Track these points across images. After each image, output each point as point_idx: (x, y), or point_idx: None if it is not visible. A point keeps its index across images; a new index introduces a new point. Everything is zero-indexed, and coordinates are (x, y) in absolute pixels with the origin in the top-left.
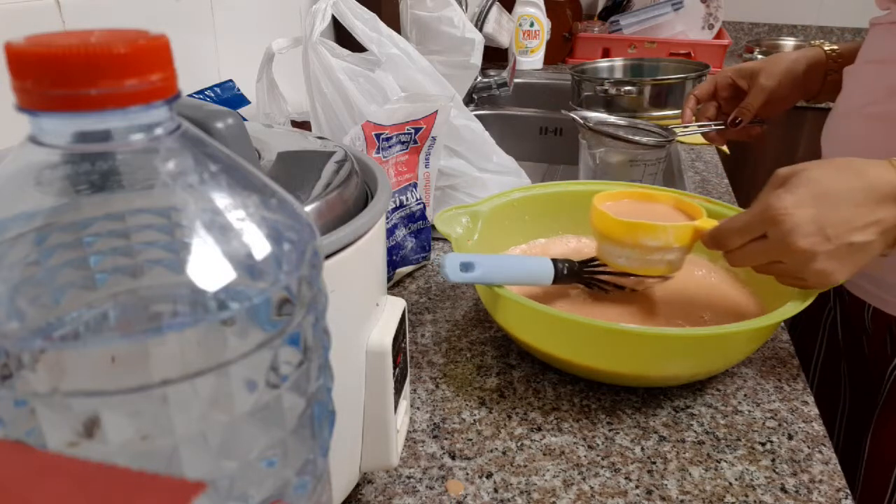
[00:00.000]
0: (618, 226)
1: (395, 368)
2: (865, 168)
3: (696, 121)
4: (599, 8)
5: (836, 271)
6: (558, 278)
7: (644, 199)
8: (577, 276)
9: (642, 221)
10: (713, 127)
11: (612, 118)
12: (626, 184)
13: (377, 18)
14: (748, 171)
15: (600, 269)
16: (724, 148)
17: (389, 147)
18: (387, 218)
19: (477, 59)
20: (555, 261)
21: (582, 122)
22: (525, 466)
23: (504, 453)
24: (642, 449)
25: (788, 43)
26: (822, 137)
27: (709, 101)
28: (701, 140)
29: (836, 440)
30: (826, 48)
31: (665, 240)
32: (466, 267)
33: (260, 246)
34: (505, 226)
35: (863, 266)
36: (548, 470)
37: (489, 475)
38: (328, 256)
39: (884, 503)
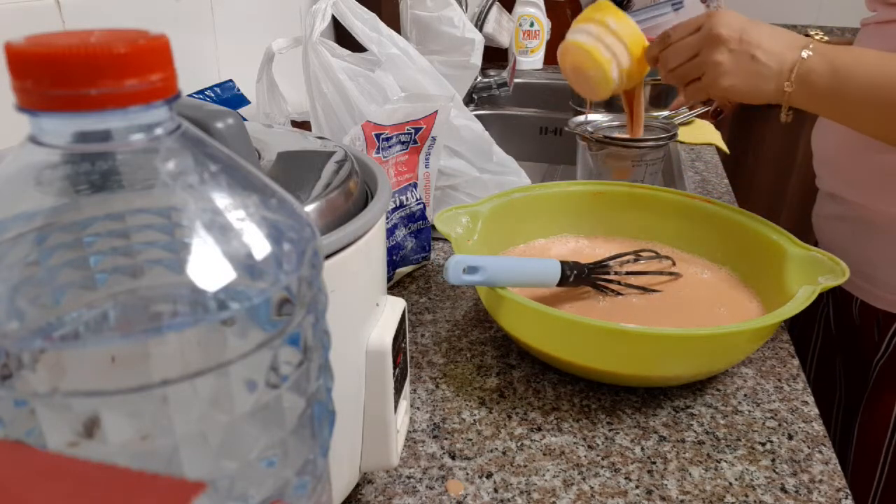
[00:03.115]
0: (599, 3)
1: (395, 368)
2: (794, 31)
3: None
4: None
5: (729, 72)
6: (564, 281)
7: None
8: (584, 278)
9: (621, 10)
10: (700, 111)
11: (610, 120)
12: (626, 183)
13: (377, 18)
14: (748, 171)
15: (608, 271)
16: (724, 148)
17: (389, 147)
18: (387, 218)
19: (477, 59)
20: (562, 263)
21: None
22: (525, 466)
23: (504, 453)
24: (642, 449)
25: None
26: (811, 135)
27: None
28: (701, 140)
29: (833, 429)
30: (817, 38)
31: (623, 29)
32: (470, 270)
33: (260, 246)
34: (505, 226)
35: (752, 89)
36: (548, 470)
37: (489, 475)
38: (328, 256)
39: (874, 481)
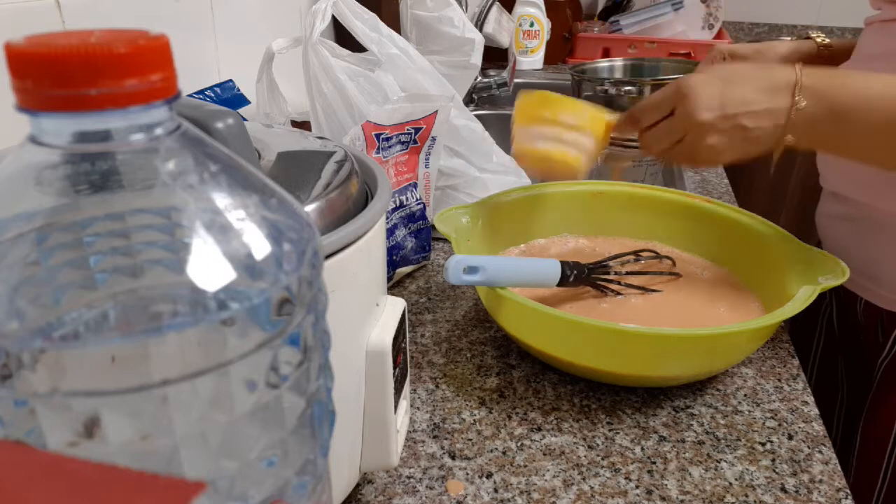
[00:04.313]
0: (541, 98)
1: (395, 368)
2: (771, 65)
3: None
4: (599, 8)
5: (725, 150)
6: (564, 281)
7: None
8: (584, 278)
9: (564, 97)
10: None
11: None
12: (626, 183)
13: (377, 18)
14: (748, 171)
15: (608, 271)
16: None
17: (389, 147)
18: (387, 218)
19: (477, 59)
20: (562, 263)
21: None
22: (525, 466)
23: (504, 453)
24: (642, 449)
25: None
26: None
27: None
28: None
29: (835, 430)
30: (818, 40)
31: (581, 118)
32: (470, 270)
33: (260, 246)
34: (505, 226)
35: (748, 153)
36: (548, 470)
37: (489, 475)
38: (328, 256)
39: (877, 483)
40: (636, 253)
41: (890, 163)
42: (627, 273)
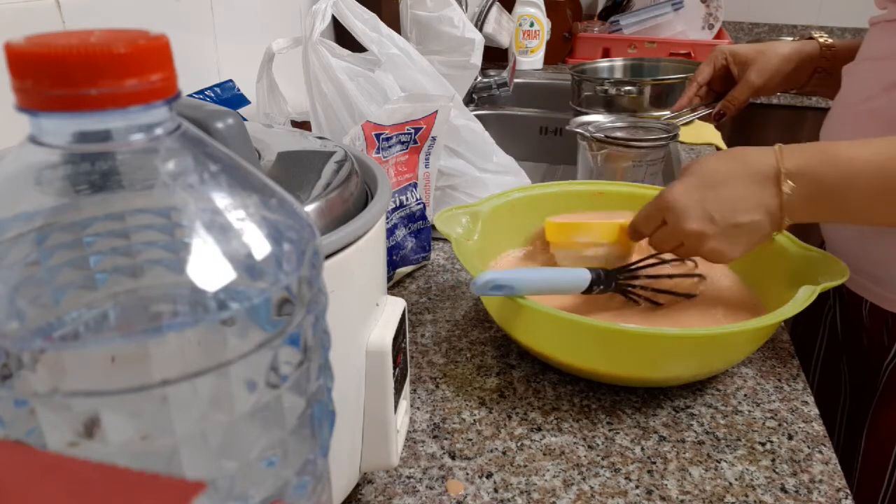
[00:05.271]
0: (552, 228)
1: (395, 368)
2: (748, 154)
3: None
4: (599, 8)
5: (727, 250)
6: (591, 289)
7: (600, 210)
8: (614, 288)
9: (571, 221)
10: (702, 113)
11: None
12: (626, 183)
13: (377, 18)
14: None
15: (636, 276)
16: (725, 148)
17: (389, 147)
18: (387, 218)
19: (477, 59)
20: (591, 272)
21: (586, 134)
22: (525, 466)
23: (504, 453)
24: (642, 449)
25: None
26: (820, 134)
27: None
28: (701, 140)
29: (837, 433)
30: (821, 40)
31: (592, 236)
32: (496, 287)
33: (260, 246)
34: (505, 226)
35: (756, 243)
36: (548, 470)
37: (489, 475)
38: (328, 256)
39: (881, 487)
40: (657, 256)
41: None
42: (650, 277)
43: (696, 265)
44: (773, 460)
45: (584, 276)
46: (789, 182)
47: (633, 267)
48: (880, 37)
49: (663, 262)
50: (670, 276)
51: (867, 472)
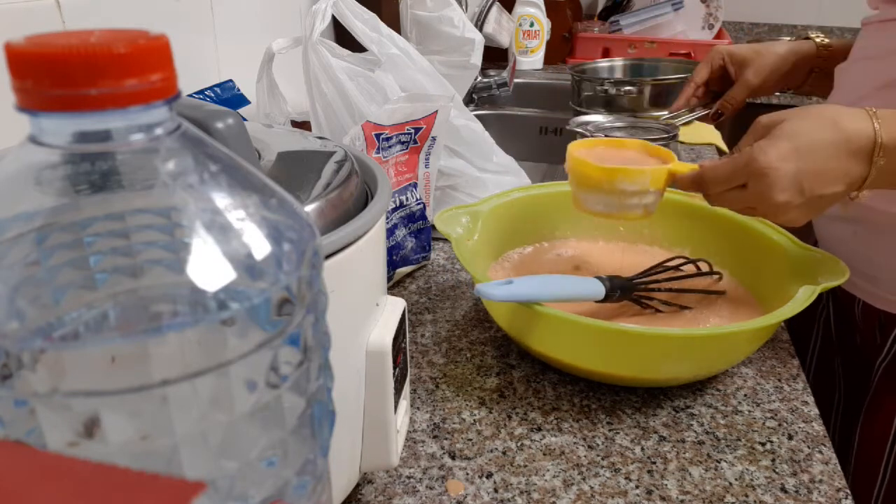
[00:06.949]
0: (598, 172)
1: (395, 368)
2: (844, 121)
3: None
4: (599, 8)
5: (802, 218)
6: (606, 298)
7: (615, 145)
8: (628, 297)
9: (621, 166)
10: (700, 113)
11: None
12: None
13: (377, 18)
14: None
15: (651, 285)
16: (725, 148)
17: (389, 147)
18: (387, 218)
19: (477, 59)
20: (601, 279)
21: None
22: (525, 466)
23: (504, 453)
24: (642, 449)
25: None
26: None
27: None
28: (701, 140)
29: (832, 431)
30: (818, 40)
31: (642, 183)
32: (507, 294)
33: (260, 246)
34: (505, 226)
35: (823, 211)
36: (548, 470)
37: (489, 475)
38: (328, 256)
39: (875, 483)
40: (670, 264)
41: None
42: (669, 290)
43: (710, 265)
44: (773, 460)
45: (599, 287)
46: (882, 157)
47: (646, 279)
48: (873, 37)
49: (674, 268)
50: (687, 277)
51: (861, 469)
